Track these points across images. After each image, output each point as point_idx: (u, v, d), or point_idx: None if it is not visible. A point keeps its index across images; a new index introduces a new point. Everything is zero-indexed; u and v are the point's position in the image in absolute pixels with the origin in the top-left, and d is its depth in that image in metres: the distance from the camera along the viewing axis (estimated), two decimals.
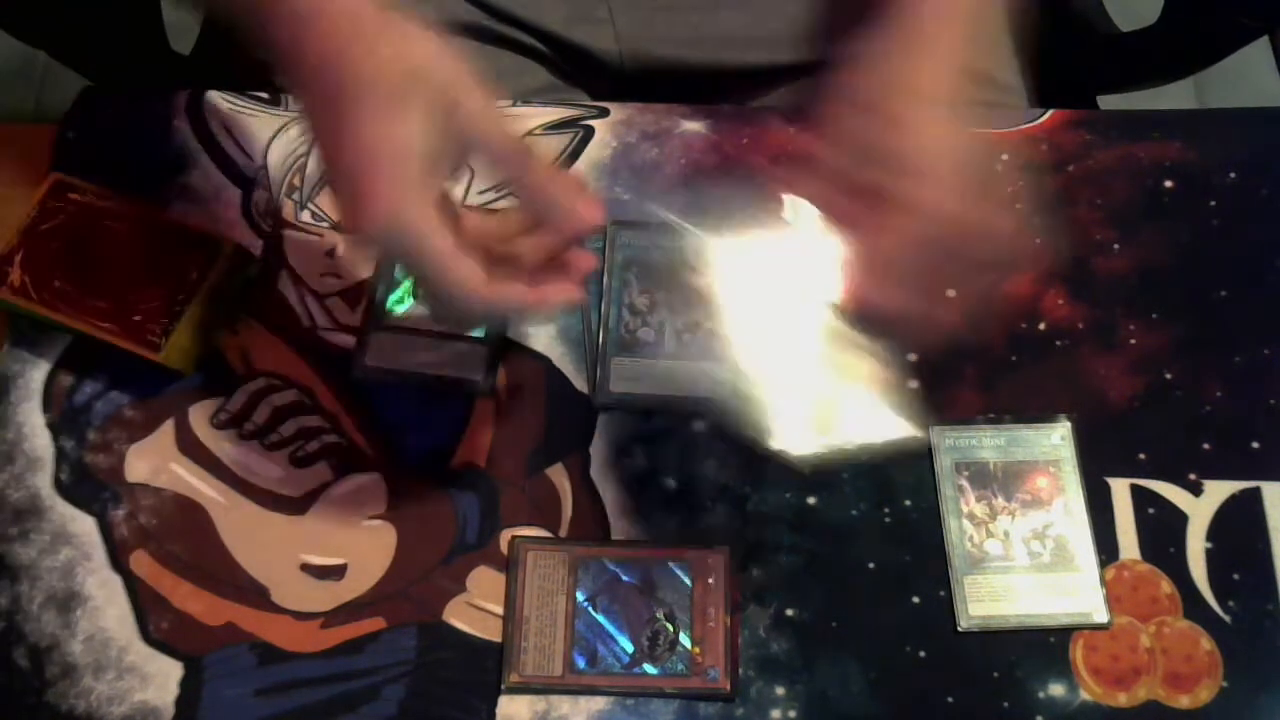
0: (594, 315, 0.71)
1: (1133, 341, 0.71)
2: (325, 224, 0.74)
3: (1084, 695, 0.63)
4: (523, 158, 0.56)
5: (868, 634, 0.64)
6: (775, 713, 0.63)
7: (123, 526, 0.67)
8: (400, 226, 0.54)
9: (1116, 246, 0.73)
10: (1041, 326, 0.71)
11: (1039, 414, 0.69)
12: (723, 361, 0.66)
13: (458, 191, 0.74)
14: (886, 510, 0.67)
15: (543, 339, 0.71)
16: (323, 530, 0.67)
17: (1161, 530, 0.66)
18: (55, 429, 0.69)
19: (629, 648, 0.63)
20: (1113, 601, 0.65)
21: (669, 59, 0.85)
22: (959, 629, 0.64)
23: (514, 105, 0.77)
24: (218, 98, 0.77)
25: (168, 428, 0.69)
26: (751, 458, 0.68)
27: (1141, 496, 0.67)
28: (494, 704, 0.63)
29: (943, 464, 0.68)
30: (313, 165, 0.75)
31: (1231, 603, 0.65)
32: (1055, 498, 0.67)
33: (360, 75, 0.54)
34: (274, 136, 0.76)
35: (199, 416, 0.69)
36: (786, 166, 0.59)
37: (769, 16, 0.85)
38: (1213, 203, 0.75)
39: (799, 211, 0.57)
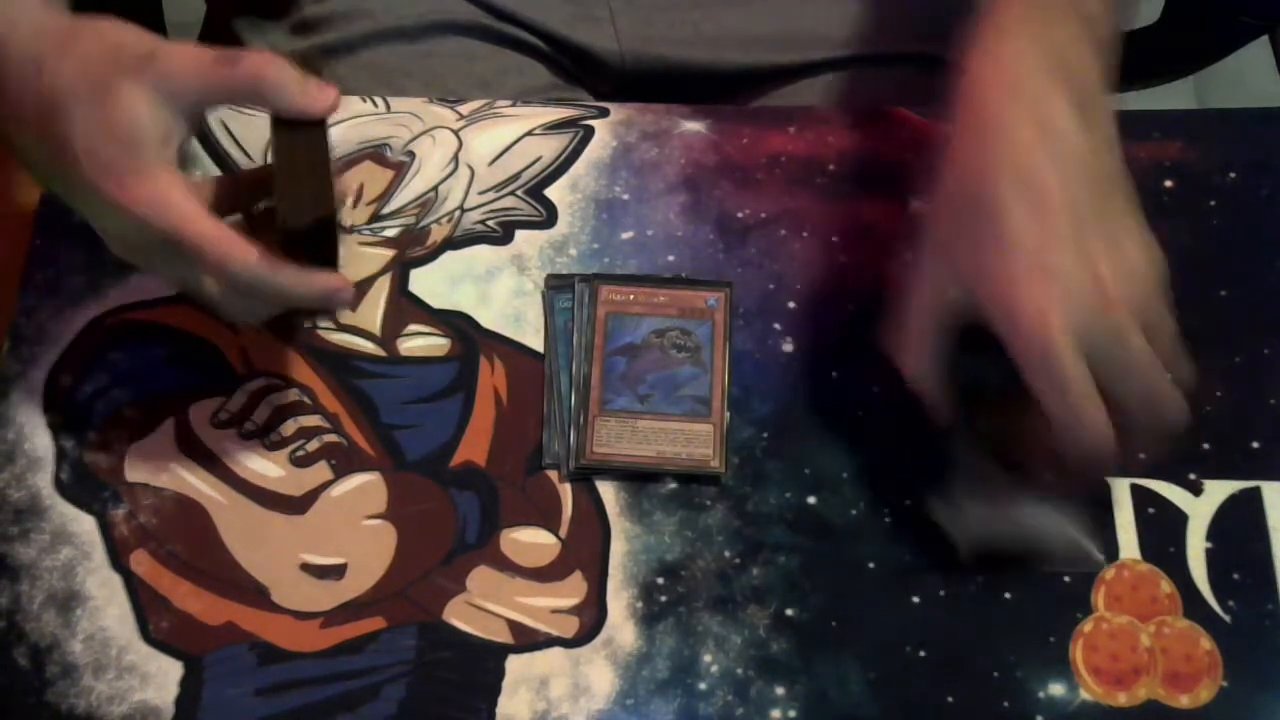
0: (564, 377, 0.70)
1: None
2: None
3: (1084, 695, 0.63)
4: (229, 60, 0.54)
5: (868, 634, 0.64)
6: (775, 713, 0.63)
7: (123, 526, 0.67)
8: (156, 219, 0.52)
9: None
10: None
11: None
12: None
13: (457, 193, 0.74)
14: (886, 510, 0.67)
15: (542, 338, 0.71)
16: (323, 530, 0.67)
17: (1161, 530, 0.66)
18: (55, 429, 0.69)
19: None
20: (1112, 601, 0.65)
21: (670, 58, 0.85)
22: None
23: (514, 105, 0.77)
24: None
25: (168, 428, 0.69)
26: (751, 457, 0.68)
27: (1141, 496, 0.67)
28: (494, 704, 0.63)
29: (556, 321, 0.70)
30: None
31: (1231, 603, 0.65)
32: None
33: (60, 83, 0.52)
34: None
35: (199, 416, 0.69)
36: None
37: (770, 16, 0.85)
38: (1213, 203, 0.74)
39: None
